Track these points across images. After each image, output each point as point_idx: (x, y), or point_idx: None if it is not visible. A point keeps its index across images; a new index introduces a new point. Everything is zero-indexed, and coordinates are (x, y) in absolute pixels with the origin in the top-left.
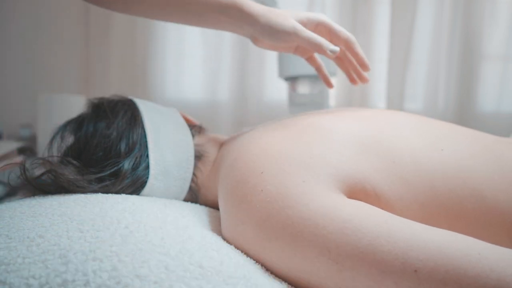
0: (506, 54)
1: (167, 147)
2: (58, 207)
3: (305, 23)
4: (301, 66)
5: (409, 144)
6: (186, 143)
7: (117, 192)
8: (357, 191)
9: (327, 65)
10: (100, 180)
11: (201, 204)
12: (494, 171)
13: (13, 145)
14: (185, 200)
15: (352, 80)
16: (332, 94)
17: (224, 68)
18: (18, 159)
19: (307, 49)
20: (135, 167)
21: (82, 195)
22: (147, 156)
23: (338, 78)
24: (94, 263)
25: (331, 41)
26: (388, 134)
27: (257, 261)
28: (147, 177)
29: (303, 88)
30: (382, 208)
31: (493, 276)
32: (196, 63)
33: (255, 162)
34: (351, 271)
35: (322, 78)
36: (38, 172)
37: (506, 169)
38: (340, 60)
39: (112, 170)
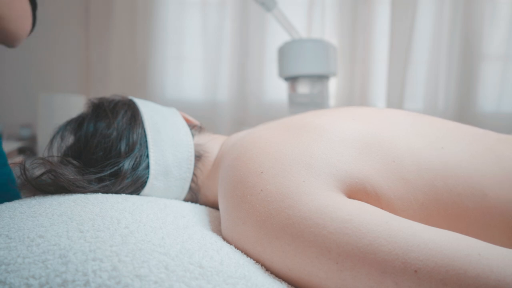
0: (506, 54)
1: (167, 147)
2: (58, 207)
3: None
4: (301, 66)
5: (409, 143)
6: (186, 143)
7: (117, 192)
8: (357, 191)
9: (328, 64)
10: (100, 180)
11: (201, 204)
12: (495, 169)
13: (13, 145)
14: (185, 200)
15: None
16: (332, 94)
17: (224, 68)
18: (18, 159)
19: None
20: (135, 167)
21: (82, 195)
22: (147, 156)
23: (338, 78)
24: (94, 263)
25: None
26: (388, 133)
27: (257, 261)
28: (147, 177)
29: (303, 88)
30: (383, 208)
31: (493, 277)
32: (196, 63)
33: (255, 161)
34: (351, 271)
35: None
36: (38, 172)
37: (507, 167)
38: None
39: (112, 170)
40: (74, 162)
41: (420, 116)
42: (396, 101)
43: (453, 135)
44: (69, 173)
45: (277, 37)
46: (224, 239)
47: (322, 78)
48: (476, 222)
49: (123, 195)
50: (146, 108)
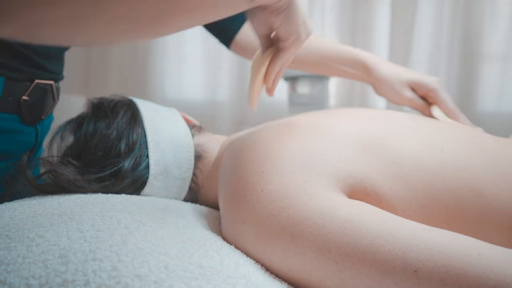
0: (506, 54)
1: (167, 147)
2: (58, 207)
3: (416, 89)
4: None
5: (409, 144)
6: (186, 143)
7: (117, 192)
8: (357, 191)
9: None
10: (100, 180)
11: (201, 204)
12: (493, 171)
13: None
14: (185, 200)
15: None
16: (332, 94)
17: (223, 68)
18: None
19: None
20: (135, 167)
21: (82, 195)
22: (147, 156)
23: (338, 78)
24: (94, 263)
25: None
26: (388, 134)
27: (257, 261)
28: (147, 177)
29: (303, 88)
30: (383, 208)
31: (493, 277)
32: (196, 63)
33: (255, 161)
34: (351, 271)
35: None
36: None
37: (504, 168)
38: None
39: (112, 170)
40: (74, 162)
41: (420, 118)
42: None
43: (452, 137)
44: (69, 173)
45: None
46: (224, 239)
47: (322, 78)
48: (475, 222)
49: (123, 195)
50: (146, 108)
